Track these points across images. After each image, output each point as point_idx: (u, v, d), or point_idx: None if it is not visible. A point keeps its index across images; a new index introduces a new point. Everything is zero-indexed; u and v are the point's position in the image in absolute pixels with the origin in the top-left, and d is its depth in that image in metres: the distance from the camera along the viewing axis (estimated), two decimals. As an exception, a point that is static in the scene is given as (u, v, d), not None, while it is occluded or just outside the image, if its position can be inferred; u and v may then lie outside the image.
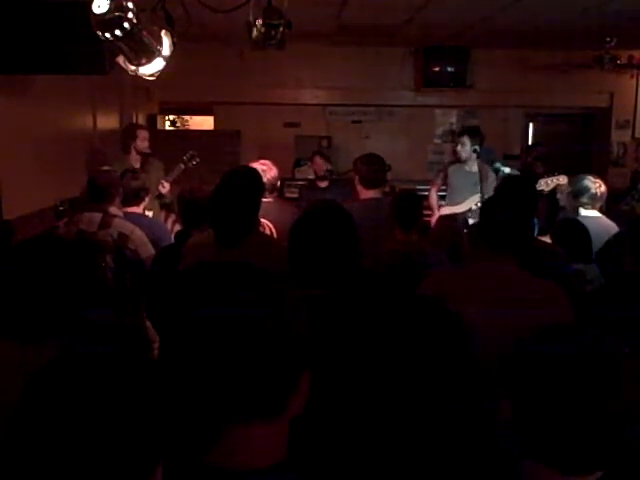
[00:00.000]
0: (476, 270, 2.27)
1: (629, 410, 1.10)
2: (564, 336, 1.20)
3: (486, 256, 2.23)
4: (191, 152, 5.14)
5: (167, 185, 5.03)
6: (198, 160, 5.14)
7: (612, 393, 1.10)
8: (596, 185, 3.86)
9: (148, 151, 5.19)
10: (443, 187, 5.52)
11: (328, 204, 2.40)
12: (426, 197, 5.29)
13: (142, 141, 5.10)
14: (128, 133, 5.20)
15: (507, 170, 4.55)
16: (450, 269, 2.45)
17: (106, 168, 3.77)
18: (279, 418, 1.12)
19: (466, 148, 5.15)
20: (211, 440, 1.08)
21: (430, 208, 5.33)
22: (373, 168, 3.95)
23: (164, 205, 5.08)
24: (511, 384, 1.20)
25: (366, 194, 3.94)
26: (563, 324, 1.25)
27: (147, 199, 4.12)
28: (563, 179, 4.40)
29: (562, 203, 4.60)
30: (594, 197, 3.86)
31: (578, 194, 3.94)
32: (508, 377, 1.21)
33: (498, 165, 4.73)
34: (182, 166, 5.10)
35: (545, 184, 4.43)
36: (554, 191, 4.67)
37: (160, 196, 5.02)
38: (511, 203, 2.30)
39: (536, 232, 3.61)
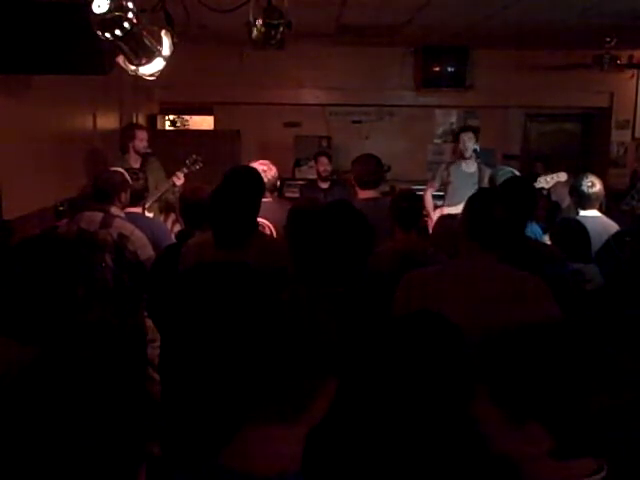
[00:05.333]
0: (459, 267, 2.27)
1: (615, 398, 1.11)
2: (535, 334, 1.21)
3: (471, 252, 2.23)
4: (194, 156, 5.14)
5: (182, 176, 5.02)
6: (201, 164, 5.14)
7: (585, 383, 1.11)
8: (588, 184, 3.82)
9: (148, 151, 5.19)
10: (442, 187, 5.53)
11: (335, 202, 2.39)
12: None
13: (140, 141, 5.09)
14: (126, 133, 5.19)
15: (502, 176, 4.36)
16: (433, 267, 2.43)
17: (114, 169, 3.78)
18: (297, 421, 1.10)
19: (472, 142, 5.18)
20: (227, 438, 1.07)
21: (425, 209, 5.33)
22: (369, 169, 3.95)
23: (165, 208, 5.07)
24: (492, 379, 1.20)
25: (363, 194, 3.95)
26: (532, 323, 1.24)
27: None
28: (563, 176, 4.39)
29: (555, 198, 4.60)
30: (583, 196, 3.82)
31: (570, 193, 3.95)
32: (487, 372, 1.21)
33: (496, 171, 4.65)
34: (185, 170, 5.10)
35: (545, 181, 4.42)
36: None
37: (167, 192, 5.01)
38: (502, 201, 2.28)
39: (538, 235, 3.61)
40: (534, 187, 3.75)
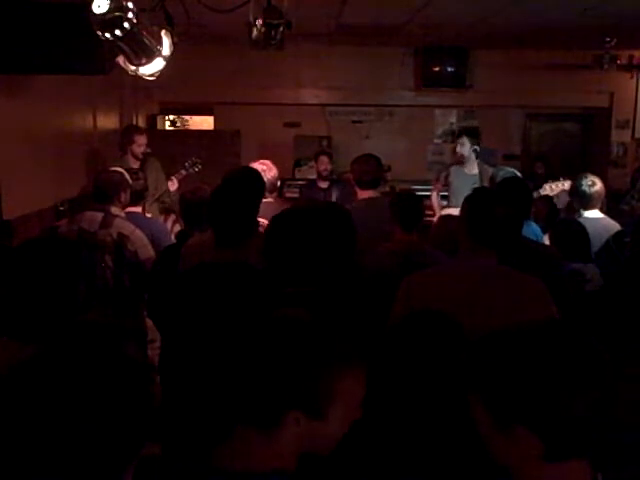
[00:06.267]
0: (459, 267, 2.26)
1: (602, 401, 1.09)
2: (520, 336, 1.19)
3: (470, 252, 2.22)
4: (194, 159, 5.14)
5: (176, 182, 5.04)
6: (200, 167, 5.14)
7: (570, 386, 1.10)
8: (589, 184, 3.81)
9: (148, 151, 5.18)
10: (445, 187, 5.54)
11: (320, 202, 2.39)
12: (426, 197, 5.30)
13: (139, 147, 5.08)
14: (126, 135, 5.17)
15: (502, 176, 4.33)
16: (433, 268, 2.42)
17: (113, 169, 3.78)
18: (275, 430, 1.10)
19: (465, 148, 5.19)
20: (220, 438, 1.07)
21: (432, 209, 5.34)
22: (368, 169, 3.95)
23: (164, 209, 5.08)
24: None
25: (363, 194, 3.94)
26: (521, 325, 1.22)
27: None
28: (568, 184, 4.38)
29: (560, 206, 4.61)
30: (584, 195, 3.81)
31: (570, 194, 3.95)
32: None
33: (497, 171, 4.65)
34: (183, 172, 5.09)
35: (550, 189, 4.41)
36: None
37: (163, 194, 5.02)
38: (500, 200, 2.27)
39: (538, 235, 3.60)
40: (529, 186, 3.74)
